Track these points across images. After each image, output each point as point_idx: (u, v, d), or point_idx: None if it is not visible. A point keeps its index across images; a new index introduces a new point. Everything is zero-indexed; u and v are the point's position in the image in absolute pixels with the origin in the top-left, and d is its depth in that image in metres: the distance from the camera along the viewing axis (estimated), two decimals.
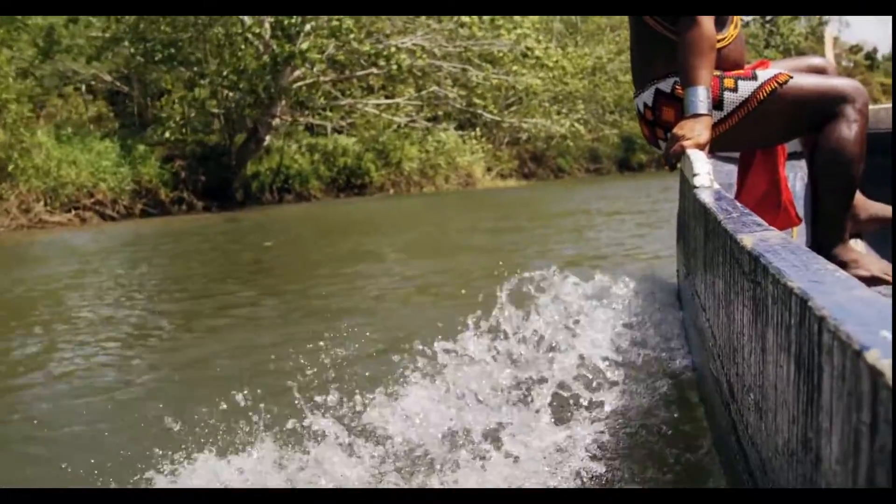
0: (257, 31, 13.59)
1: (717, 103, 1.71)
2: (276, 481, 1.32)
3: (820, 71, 1.85)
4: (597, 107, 21.74)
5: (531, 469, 1.30)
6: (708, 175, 1.38)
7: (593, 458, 1.34)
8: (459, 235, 6.50)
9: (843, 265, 1.67)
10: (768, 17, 29.84)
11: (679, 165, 1.66)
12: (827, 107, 1.67)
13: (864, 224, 1.92)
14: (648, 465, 1.32)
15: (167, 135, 14.05)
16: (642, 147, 22.51)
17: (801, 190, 2.36)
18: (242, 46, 13.71)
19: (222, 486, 1.34)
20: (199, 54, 14.37)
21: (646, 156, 23.29)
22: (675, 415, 1.49)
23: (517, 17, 14.57)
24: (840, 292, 0.51)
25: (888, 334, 0.40)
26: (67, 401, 2.21)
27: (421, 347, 1.74)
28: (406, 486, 1.30)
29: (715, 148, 1.79)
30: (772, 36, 31.26)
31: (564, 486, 1.26)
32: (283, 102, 14.76)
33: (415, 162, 17.19)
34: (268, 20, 13.74)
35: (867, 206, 1.91)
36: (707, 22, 1.65)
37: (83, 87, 15.76)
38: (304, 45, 13.34)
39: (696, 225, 1.30)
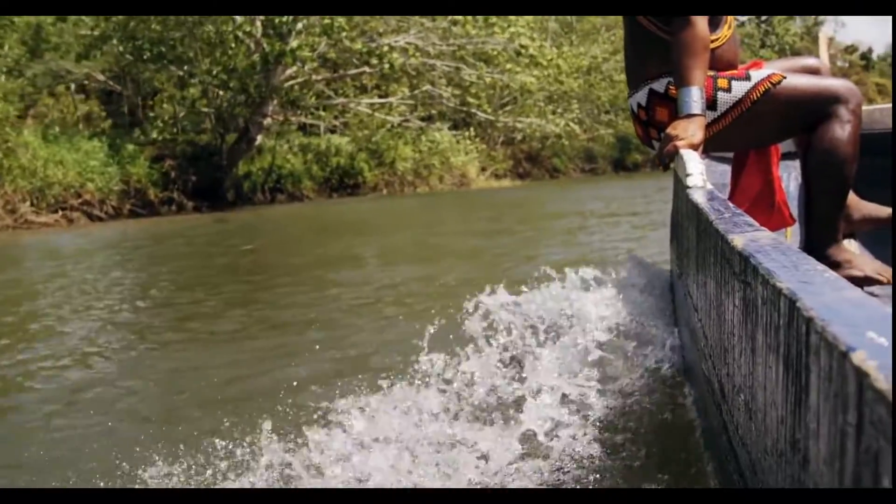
0: (248, 29, 13.54)
1: (711, 103, 1.71)
2: None
3: (813, 71, 1.86)
4: (592, 106, 21.80)
5: (512, 470, 1.30)
6: (701, 175, 1.39)
7: (585, 458, 1.34)
8: (447, 238, 6.40)
9: (837, 265, 1.68)
10: (763, 17, 30.01)
11: (673, 166, 1.67)
12: (820, 107, 1.68)
13: (858, 224, 1.93)
14: (641, 467, 1.32)
15: (154, 134, 13.97)
16: (637, 147, 22.58)
17: (794, 190, 2.37)
18: (233, 45, 13.66)
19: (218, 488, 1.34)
20: (191, 53, 14.32)
21: (641, 156, 23.37)
22: (668, 416, 1.50)
23: (511, 17, 14.60)
24: (829, 293, 0.51)
25: (875, 335, 0.40)
26: None
27: (381, 368, 1.70)
28: (406, 487, 1.30)
29: (709, 148, 1.80)
30: (767, 36, 31.44)
31: (556, 485, 1.26)
32: (275, 102, 14.72)
33: (408, 162, 17.19)
34: (259, 18, 13.70)
35: (861, 207, 1.93)
36: (701, 22, 1.66)
37: (72, 87, 15.66)
38: (295, 44, 13.30)
39: (689, 225, 1.30)
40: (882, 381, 0.35)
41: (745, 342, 0.69)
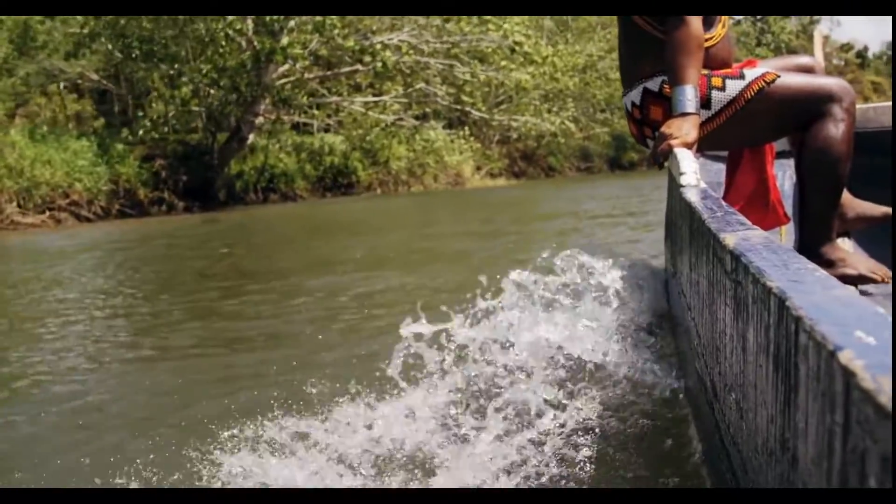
0: (239, 27, 13.50)
1: (705, 102, 1.72)
2: None
3: (807, 70, 1.87)
4: (587, 105, 21.85)
5: (505, 465, 1.31)
6: (694, 174, 1.39)
7: (577, 459, 1.35)
8: (436, 240, 6.24)
9: (831, 264, 1.69)
10: (759, 16, 30.13)
11: (667, 164, 1.67)
12: (814, 106, 1.69)
13: (852, 223, 1.94)
14: (635, 466, 1.33)
15: (141, 133, 13.90)
16: (633, 146, 22.64)
17: (789, 189, 2.39)
18: (224, 43, 13.61)
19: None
20: (182, 51, 14.27)
21: (637, 154, 23.44)
22: (665, 413, 1.50)
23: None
24: (819, 292, 0.52)
25: (863, 335, 0.41)
26: None
27: (335, 394, 1.60)
28: (406, 487, 1.30)
29: (703, 147, 1.81)
30: (763, 34, 31.59)
31: (549, 484, 1.27)
32: (267, 100, 14.68)
33: (403, 161, 17.18)
34: (250, 16, 13.67)
35: (855, 205, 1.94)
36: (695, 21, 1.67)
37: (61, 86, 15.59)
38: (286, 41, 13.26)
39: (683, 223, 1.31)
40: (869, 381, 0.35)
41: (737, 341, 0.69)
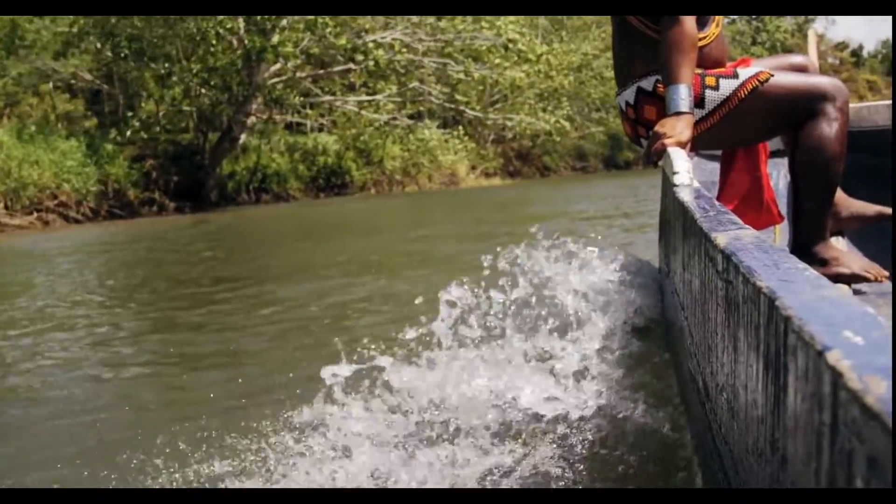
0: (229, 25, 13.45)
1: (699, 101, 1.73)
2: None
3: (801, 69, 1.88)
4: (583, 104, 21.89)
5: (499, 472, 1.31)
6: (688, 173, 1.40)
7: (571, 458, 1.35)
8: (423, 243, 6.05)
9: (825, 263, 1.70)
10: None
11: (661, 163, 1.68)
12: (807, 105, 1.70)
13: (846, 222, 1.95)
14: (629, 466, 1.33)
15: (129, 134, 13.83)
16: (629, 145, 22.70)
17: (783, 188, 2.40)
18: (214, 42, 13.56)
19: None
20: (173, 51, 14.21)
21: (633, 153, 23.50)
22: (658, 413, 1.51)
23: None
24: (808, 292, 0.52)
25: (851, 335, 0.41)
26: None
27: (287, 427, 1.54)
28: (406, 487, 1.30)
29: (697, 146, 1.81)
30: (758, 33, 31.73)
31: (545, 485, 1.27)
32: (259, 100, 14.64)
33: (397, 161, 17.17)
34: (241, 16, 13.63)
35: (849, 205, 1.95)
36: (689, 20, 1.68)
37: (51, 85, 15.51)
38: (276, 40, 13.22)
39: (676, 223, 1.32)
40: (855, 382, 0.35)
41: (728, 341, 0.69)
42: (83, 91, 16.56)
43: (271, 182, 15.53)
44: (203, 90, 14.17)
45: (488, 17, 14.59)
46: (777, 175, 2.45)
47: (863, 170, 2.37)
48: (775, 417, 0.51)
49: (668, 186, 1.57)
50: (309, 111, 16.84)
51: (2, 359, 3.00)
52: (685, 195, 1.21)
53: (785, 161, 2.18)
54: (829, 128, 1.68)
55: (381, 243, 6.50)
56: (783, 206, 2.00)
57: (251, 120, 14.95)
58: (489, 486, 1.29)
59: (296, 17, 13.60)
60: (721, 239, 0.73)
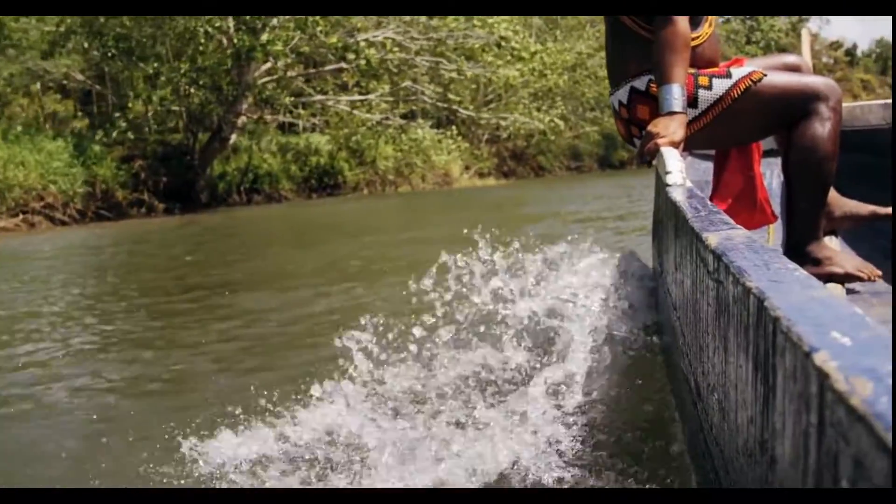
0: (218, 24, 13.38)
1: (692, 101, 1.73)
2: None
3: (794, 69, 1.89)
4: (577, 104, 21.93)
5: (490, 473, 1.31)
6: (680, 173, 1.40)
7: (566, 457, 1.35)
8: (407, 247, 5.80)
9: (818, 262, 1.71)
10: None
11: (654, 163, 1.68)
12: (800, 104, 1.70)
13: (839, 221, 1.96)
14: (623, 465, 1.34)
15: (115, 135, 13.75)
16: (623, 144, 22.69)
17: (777, 187, 2.41)
18: (202, 40, 13.50)
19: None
20: (162, 50, 14.15)
21: (627, 153, 23.56)
22: (652, 413, 1.51)
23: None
24: (797, 292, 0.52)
25: (839, 335, 0.41)
26: None
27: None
28: (407, 487, 1.30)
29: (690, 146, 1.82)
30: (752, 32, 31.88)
31: (540, 485, 1.27)
32: (249, 100, 14.59)
33: (390, 161, 17.15)
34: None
35: (842, 204, 1.96)
36: (682, 20, 1.69)
37: (38, 85, 15.41)
38: (265, 38, 13.16)
39: (668, 222, 1.32)
40: (842, 383, 0.35)
41: (719, 341, 0.70)
42: (76, 91, 16.48)
43: (263, 183, 15.48)
44: (192, 90, 14.11)
45: (481, 16, 14.60)
46: (770, 174, 2.46)
47: (856, 169, 2.39)
48: (764, 418, 0.51)
49: (661, 186, 1.58)
50: (301, 111, 16.80)
51: None
52: (677, 195, 1.22)
53: (778, 160, 2.19)
54: (823, 127, 1.69)
55: (366, 246, 6.35)
56: (777, 206, 2.01)
57: (242, 120, 14.90)
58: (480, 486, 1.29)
59: (286, 16, 13.57)
60: (712, 239, 0.73)
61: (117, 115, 14.41)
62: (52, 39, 14.08)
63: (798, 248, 1.73)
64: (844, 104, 1.98)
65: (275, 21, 13.58)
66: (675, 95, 1.66)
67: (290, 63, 14.20)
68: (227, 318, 3.61)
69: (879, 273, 1.69)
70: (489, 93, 18.66)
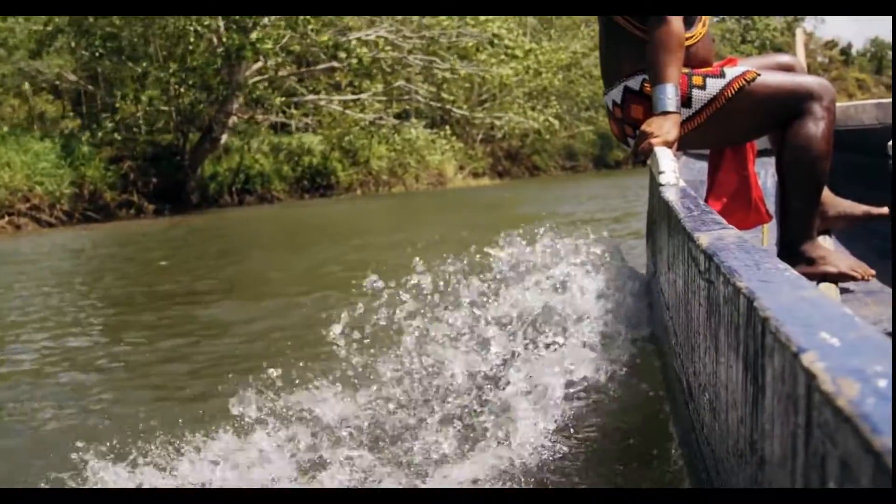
0: (207, 22, 13.33)
1: (686, 101, 1.74)
2: None
3: (788, 68, 1.90)
4: (572, 103, 21.97)
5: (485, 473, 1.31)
6: (673, 173, 1.41)
7: (562, 457, 1.35)
8: (390, 252, 5.44)
9: (812, 262, 1.72)
10: None
11: (648, 163, 1.69)
12: (794, 104, 1.71)
13: (833, 221, 1.98)
14: (618, 464, 1.34)
15: (101, 135, 13.68)
16: (619, 144, 22.73)
17: (771, 187, 2.42)
18: (192, 39, 13.44)
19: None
20: (151, 49, 14.09)
21: (622, 153, 23.61)
22: (645, 412, 1.52)
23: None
24: (787, 293, 0.52)
25: (828, 336, 0.41)
26: None
27: None
28: (407, 486, 1.30)
29: (684, 146, 1.83)
30: (747, 31, 32.03)
31: (539, 485, 1.27)
32: (240, 99, 14.54)
33: (383, 161, 17.13)
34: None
35: (836, 204, 1.97)
36: (676, 20, 1.69)
37: (26, 85, 15.32)
38: (254, 36, 13.11)
39: (661, 222, 1.33)
40: (829, 384, 0.35)
41: (710, 341, 0.70)
42: (68, 92, 16.39)
43: (255, 183, 15.41)
44: (182, 90, 14.05)
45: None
46: (765, 174, 2.47)
47: (850, 169, 2.40)
48: (754, 419, 0.51)
49: (654, 186, 1.58)
50: (294, 111, 16.75)
51: None
52: (670, 195, 1.22)
53: (772, 160, 2.20)
54: (816, 127, 1.70)
55: (353, 249, 6.16)
56: (771, 206, 2.02)
57: (233, 120, 14.84)
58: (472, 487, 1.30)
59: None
60: (703, 239, 0.74)
61: (105, 115, 14.34)
62: (40, 38, 13.99)
63: (792, 248, 1.74)
64: (838, 104, 2.00)
65: (266, 20, 13.55)
66: (669, 95, 1.67)
67: (280, 62, 14.15)
68: (181, 334, 3.29)
69: (873, 272, 1.70)
70: (483, 92, 18.67)
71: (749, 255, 0.65)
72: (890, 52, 37.00)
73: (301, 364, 1.80)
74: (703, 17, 1.85)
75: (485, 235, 2.14)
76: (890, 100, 2.48)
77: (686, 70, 1.76)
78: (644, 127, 1.69)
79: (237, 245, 7.96)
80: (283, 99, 15.29)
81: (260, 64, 14.14)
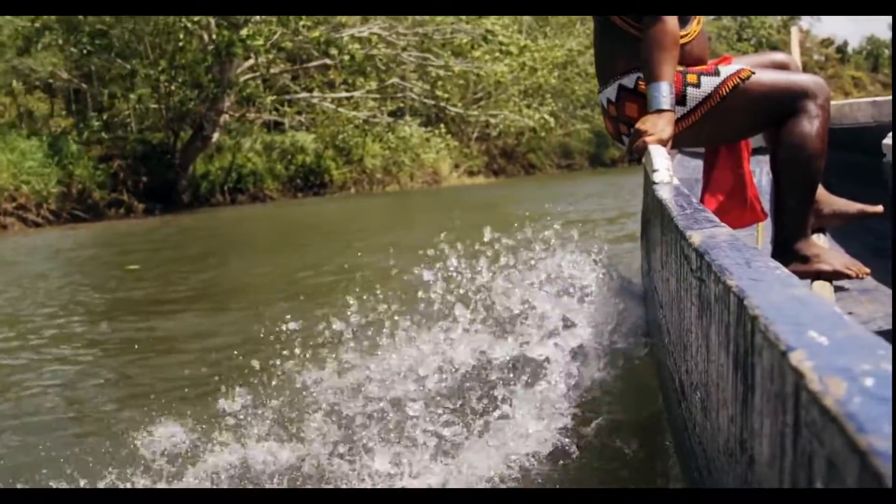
0: (197, 19, 13.27)
1: (680, 99, 1.75)
2: None
3: (782, 67, 1.91)
4: (567, 101, 21.99)
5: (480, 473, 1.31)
6: (667, 171, 1.41)
7: (557, 458, 1.36)
8: (378, 255, 5.13)
9: (806, 260, 1.72)
10: None
11: (643, 161, 1.69)
12: (789, 102, 1.72)
13: (828, 219, 1.99)
14: (613, 464, 1.34)
15: (87, 134, 13.59)
16: (615, 142, 22.77)
17: (766, 185, 2.43)
18: (182, 36, 13.38)
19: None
20: (140, 46, 14.02)
21: (618, 151, 23.60)
22: (641, 411, 1.52)
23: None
24: (777, 291, 0.53)
25: (816, 335, 0.42)
26: None
27: None
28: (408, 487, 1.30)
29: (679, 143, 1.83)
30: (743, 29, 32.14)
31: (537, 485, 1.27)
32: (231, 97, 14.48)
33: (377, 159, 17.11)
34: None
35: (830, 202, 1.98)
36: (671, 19, 1.70)
37: (14, 83, 15.23)
38: (244, 33, 13.06)
39: (655, 220, 1.33)
40: (816, 383, 0.35)
41: (701, 339, 0.70)
42: (61, 90, 16.30)
43: (247, 182, 15.36)
44: (172, 87, 13.99)
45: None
46: (760, 172, 2.48)
47: (845, 167, 2.41)
48: (744, 418, 0.51)
49: (648, 184, 1.59)
50: (287, 109, 16.71)
51: None
52: (664, 193, 1.23)
53: (767, 158, 2.21)
54: (811, 125, 1.71)
55: (340, 251, 5.96)
56: (767, 204, 2.03)
57: (224, 118, 14.79)
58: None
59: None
60: (695, 237, 0.74)
61: (92, 114, 14.27)
62: (27, 35, 13.92)
63: (786, 246, 1.74)
64: (833, 102, 2.01)
65: (257, 17, 13.51)
66: (664, 93, 1.67)
67: (272, 59, 14.10)
68: (127, 351, 3.00)
69: (867, 270, 1.71)
70: (478, 90, 18.67)
71: (740, 253, 0.65)
72: (887, 51, 37.20)
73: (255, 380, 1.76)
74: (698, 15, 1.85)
75: (476, 234, 2.13)
76: (885, 98, 2.49)
77: (681, 68, 1.76)
78: (638, 125, 1.70)
79: (220, 246, 7.75)
80: (275, 97, 15.25)
81: (251, 61, 14.10)
